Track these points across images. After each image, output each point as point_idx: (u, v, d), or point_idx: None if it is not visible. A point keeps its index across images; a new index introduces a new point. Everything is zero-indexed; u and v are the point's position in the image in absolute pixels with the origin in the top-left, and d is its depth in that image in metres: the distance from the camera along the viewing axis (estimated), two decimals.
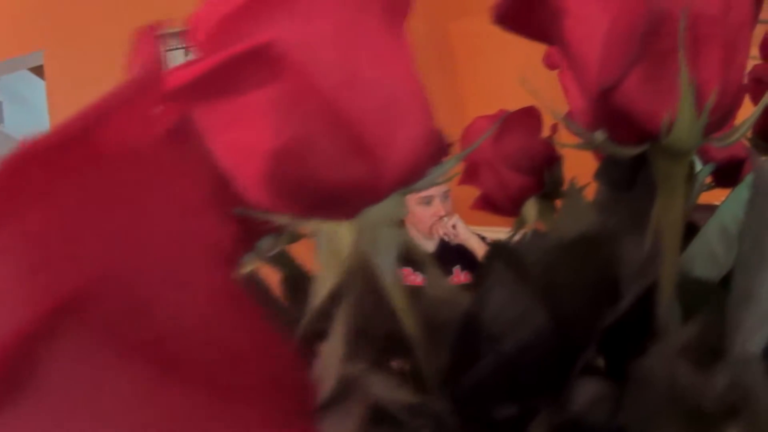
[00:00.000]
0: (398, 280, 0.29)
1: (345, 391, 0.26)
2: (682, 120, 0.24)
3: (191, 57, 0.23)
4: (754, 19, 0.26)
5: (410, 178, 0.25)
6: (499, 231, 2.32)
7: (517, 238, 0.53)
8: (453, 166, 0.28)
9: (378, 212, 0.25)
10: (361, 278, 0.29)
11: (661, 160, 0.27)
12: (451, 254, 2.26)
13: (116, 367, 0.10)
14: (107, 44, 2.82)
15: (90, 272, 0.10)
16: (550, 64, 0.52)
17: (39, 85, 2.94)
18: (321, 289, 0.27)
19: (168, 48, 2.73)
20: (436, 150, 0.28)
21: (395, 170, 0.24)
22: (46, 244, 0.10)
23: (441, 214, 2.26)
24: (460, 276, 2.22)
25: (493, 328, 0.33)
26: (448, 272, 2.22)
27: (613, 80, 0.24)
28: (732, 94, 0.25)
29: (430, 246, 2.32)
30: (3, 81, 3.03)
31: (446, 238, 2.28)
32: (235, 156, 0.24)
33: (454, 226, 2.25)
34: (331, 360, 0.25)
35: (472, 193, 0.59)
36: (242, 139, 0.23)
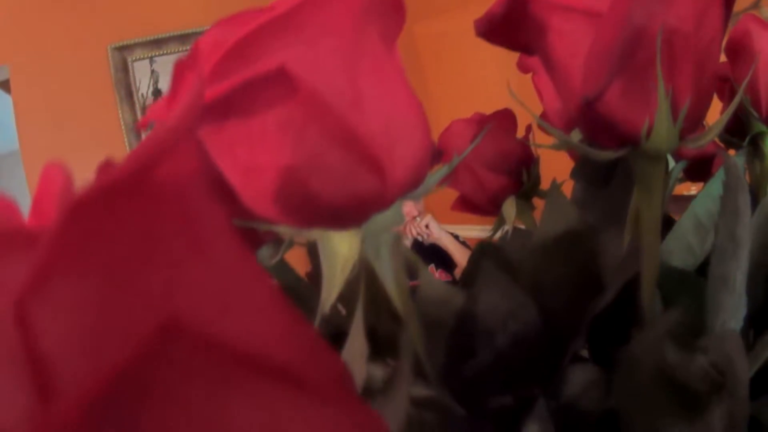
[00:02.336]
0: (400, 283, 0.31)
1: (389, 383, 0.28)
2: (659, 126, 0.26)
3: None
4: (723, 32, 0.28)
5: (413, 184, 0.26)
6: (472, 229, 2.34)
7: (497, 236, 0.55)
8: (447, 172, 0.30)
9: (383, 219, 0.26)
10: (366, 282, 0.31)
11: (640, 162, 0.29)
12: (426, 253, 2.28)
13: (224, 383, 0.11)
14: (73, 59, 2.80)
15: (166, 307, 0.11)
16: (523, 69, 0.54)
17: (5, 99, 2.90)
18: (328, 295, 0.28)
19: (135, 59, 2.73)
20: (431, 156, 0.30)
21: (400, 179, 0.25)
22: (128, 280, 0.10)
23: (414, 214, 2.28)
24: (435, 274, 2.24)
25: (487, 324, 0.35)
26: None
27: (596, 92, 0.26)
28: (704, 100, 0.28)
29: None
30: None
31: (420, 238, 2.30)
32: (244, 173, 0.26)
33: (427, 226, 2.27)
34: (355, 359, 0.26)
35: (444, 192, 0.60)
36: (252, 157, 0.25)
